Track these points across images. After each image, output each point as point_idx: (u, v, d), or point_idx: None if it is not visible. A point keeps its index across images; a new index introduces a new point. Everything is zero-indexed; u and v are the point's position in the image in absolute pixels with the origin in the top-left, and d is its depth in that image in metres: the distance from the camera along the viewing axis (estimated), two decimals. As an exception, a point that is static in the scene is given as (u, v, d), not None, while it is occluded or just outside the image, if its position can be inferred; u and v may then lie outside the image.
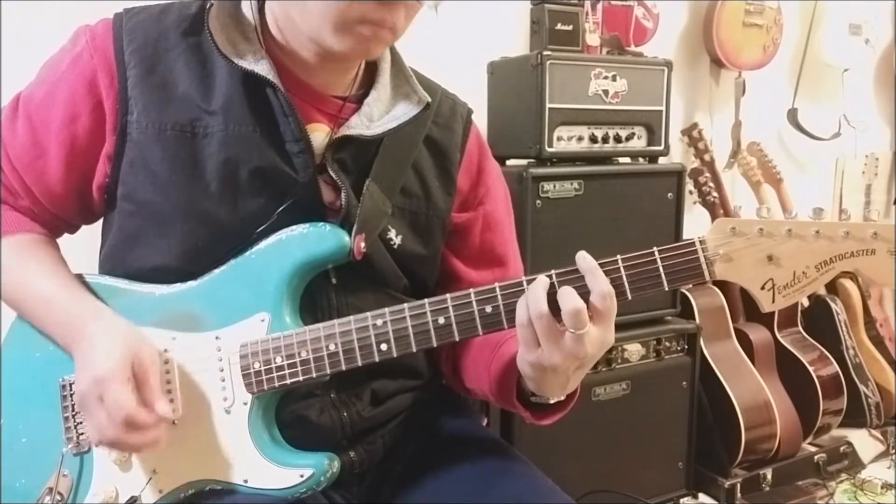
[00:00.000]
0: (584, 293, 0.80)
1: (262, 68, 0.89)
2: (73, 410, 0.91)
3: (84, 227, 1.05)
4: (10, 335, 0.98)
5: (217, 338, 0.90)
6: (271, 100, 0.90)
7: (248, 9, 0.94)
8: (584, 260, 0.82)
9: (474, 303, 0.86)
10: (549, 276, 0.82)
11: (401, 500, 0.99)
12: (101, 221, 1.01)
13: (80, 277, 0.95)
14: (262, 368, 0.88)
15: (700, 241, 0.82)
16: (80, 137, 0.91)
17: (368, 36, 0.86)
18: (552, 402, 0.91)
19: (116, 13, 0.94)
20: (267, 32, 0.93)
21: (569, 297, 0.79)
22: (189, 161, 0.90)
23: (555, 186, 1.76)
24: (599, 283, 0.80)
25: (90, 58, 0.90)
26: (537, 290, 0.81)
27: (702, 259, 0.82)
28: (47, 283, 0.92)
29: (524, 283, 0.84)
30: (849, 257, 0.78)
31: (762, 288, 0.81)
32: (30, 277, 0.93)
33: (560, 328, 0.80)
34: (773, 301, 0.81)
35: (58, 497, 0.89)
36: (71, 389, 0.91)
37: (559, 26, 1.87)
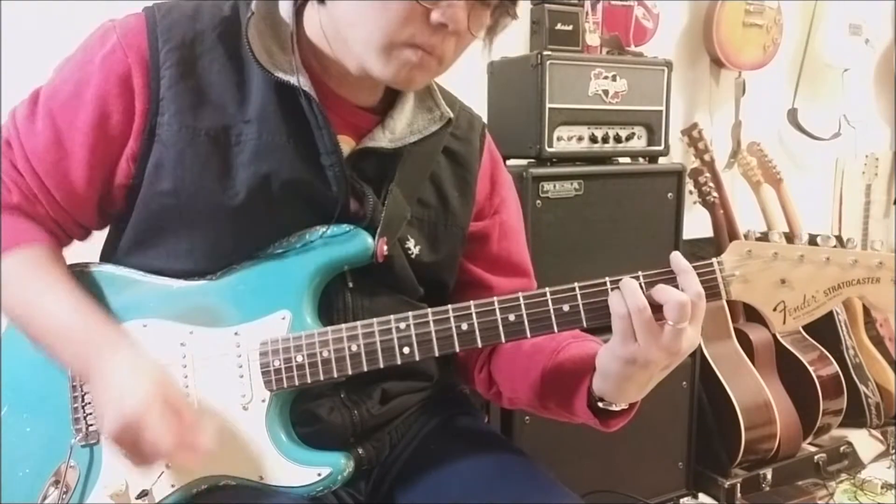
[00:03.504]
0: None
1: (299, 80, 0.88)
2: (82, 401, 0.91)
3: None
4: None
5: (236, 333, 0.90)
6: (305, 111, 0.89)
7: (285, 14, 0.92)
8: (679, 261, 0.83)
9: (497, 311, 0.86)
10: (636, 277, 0.84)
11: (404, 496, 0.99)
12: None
13: (90, 266, 0.94)
14: (283, 366, 0.88)
15: (718, 262, 0.85)
16: (110, 138, 0.88)
17: (414, 62, 0.84)
18: (616, 409, 0.90)
19: (147, 8, 0.91)
20: (303, 38, 0.92)
21: (672, 291, 0.81)
22: (220, 168, 0.89)
23: (555, 186, 1.76)
24: (694, 284, 0.82)
25: (124, 56, 0.87)
26: (632, 285, 0.82)
27: (720, 279, 0.84)
28: (57, 305, 0.87)
29: (547, 293, 0.86)
30: (855, 284, 0.83)
31: (774, 309, 0.84)
32: (37, 298, 0.88)
33: (658, 323, 0.81)
34: (784, 322, 0.85)
35: (64, 489, 0.88)
36: (81, 379, 0.91)
37: (559, 26, 1.87)
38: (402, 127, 0.97)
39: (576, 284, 0.85)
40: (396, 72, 0.85)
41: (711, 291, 0.84)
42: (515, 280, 1.08)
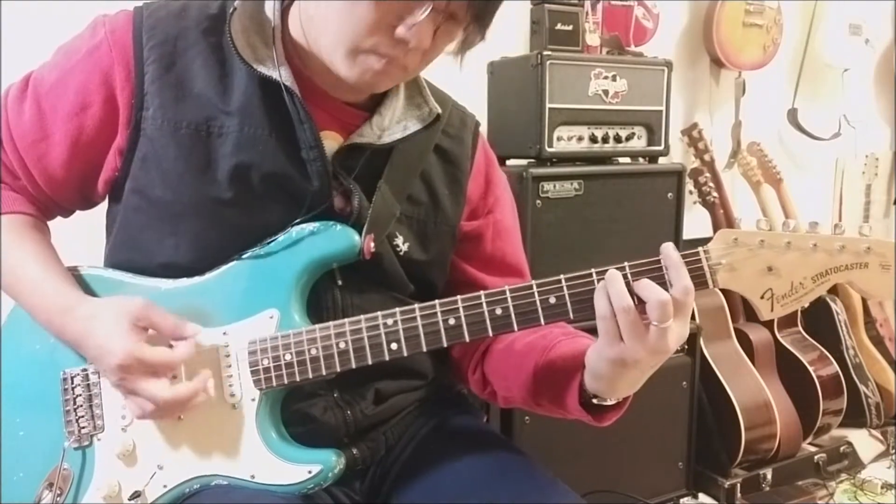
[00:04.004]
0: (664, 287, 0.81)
1: (281, 75, 0.89)
2: (74, 404, 0.92)
3: (85, 222, 1.05)
4: (8, 326, 0.98)
5: (225, 333, 0.91)
6: (288, 106, 0.90)
7: (270, 10, 0.93)
8: (669, 253, 0.82)
9: (484, 304, 0.86)
10: (622, 269, 0.83)
11: (403, 496, 1.00)
12: (103, 214, 1.01)
13: (80, 269, 0.96)
14: (272, 365, 0.89)
15: (704, 251, 0.84)
16: (88, 128, 0.91)
17: (377, 69, 0.86)
18: (610, 403, 0.89)
19: (137, 7, 0.94)
20: (287, 35, 0.93)
21: (654, 290, 0.79)
22: (202, 160, 0.90)
23: (555, 186, 1.76)
24: (683, 278, 0.81)
25: (108, 50, 0.90)
26: (618, 283, 0.81)
27: (706, 268, 0.84)
28: (35, 268, 0.92)
29: (534, 285, 0.85)
30: (843, 270, 0.82)
31: (762, 297, 0.84)
32: (19, 261, 0.92)
33: (644, 322, 0.80)
34: (772, 310, 0.84)
35: (58, 492, 0.88)
36: (73, 382, 0.92)
37: (559, 26, 1.87)
38: (391, 123, 0.97)
39: (562, 276, 0.85)
40: (360, 75, 0.87)
41: (698, 280, 0.83)
42: (510, 280, 1.07)
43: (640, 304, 0.80)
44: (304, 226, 0.91)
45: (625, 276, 0.81)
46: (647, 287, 0.80)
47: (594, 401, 0.89)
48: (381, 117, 0.97)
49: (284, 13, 0.94)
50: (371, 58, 0.85)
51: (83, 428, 0.91)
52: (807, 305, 0.84)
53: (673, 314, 0.79)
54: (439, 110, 1.01)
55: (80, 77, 0.91)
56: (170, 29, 0.91)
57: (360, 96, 0.98)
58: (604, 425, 0.92)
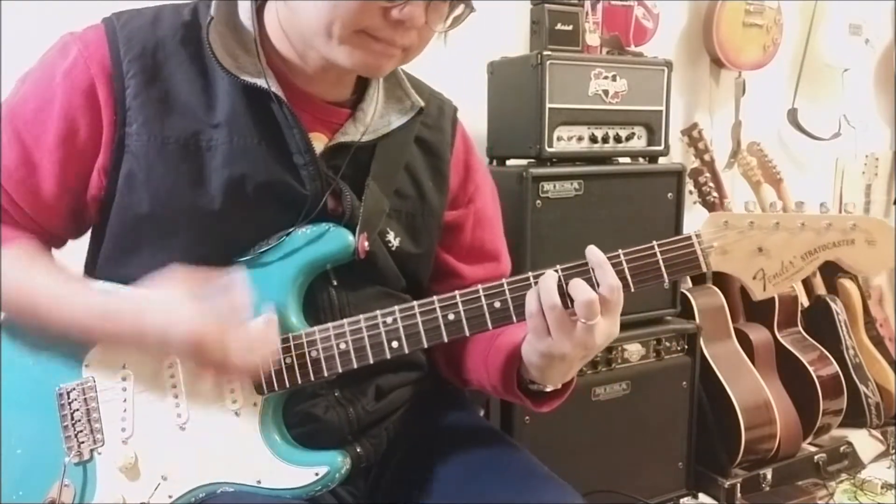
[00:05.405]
0: (592, 286, 0.83)
1: (265, 82, 0.88)
2: (72, 419, 0.90)
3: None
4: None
5: None
6: (275, 112, 0.90)
7: (245, 16, 0.92)
8: (594, 254, 0.85)
9: (483, 298, 0.88)
10: (556, 271, 0.85)
11: (406, 494, 1.00)
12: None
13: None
14: (272, 369, 0.88)
15: (696, 235, 0.87)
16: (77, 152, 0.88)
17: (377, 50, 0.86)
18: (549, 389, 0.93)
19: (105, 18, 0.91)
20: (266, 40, 0.92)
21: (581, 289, 0.82)
22: (193, 175, 0.88)
23: (555, 186, 1.76)
24: (608, 277, 0.83)
25: (86, 68, 0.87)
26: (548, 281, 0.84)
27: (698, 251, 0.86)
28: (58, 286, 0.89)
29: (531, 277, 0.87)
30: (831, 247, 0.85)
31: (754, 277, 0.87)
32: (39, 285, 0.88)
33: (571, 319, 0.82)
34: (764, 289, 0.87)
35: None
36: (70, 398, 0.90)
37: (559, 26, 1.87)
38: (374, 119, 0.97)
39: (558, 267, 0.86)
40: (362, 59, 0.86)
41: (692, 264, 0.86)
42: (487, 266, 1.10)
43: (572, 303, 0.83)
44: (297, 229, 0.91)
45: (559, 279, 0.84)
46: (575, 287, 0.83)
47: (532, 387, 0.93)
48: (363, 114, 0.97)
49: (259, 17, 0.93)
50: (368, 40, 0.85)
51: (83, 443, 0.90)
52: (814, 292, 0.86)
53: (600, 312, 0.82)
54: (422, 103, 1.01)
55: (62, 102, 0.87)
56: (147, 40, 0.89)
57: (343, 94, 0.97)
58: (543, 411, 0.96)
